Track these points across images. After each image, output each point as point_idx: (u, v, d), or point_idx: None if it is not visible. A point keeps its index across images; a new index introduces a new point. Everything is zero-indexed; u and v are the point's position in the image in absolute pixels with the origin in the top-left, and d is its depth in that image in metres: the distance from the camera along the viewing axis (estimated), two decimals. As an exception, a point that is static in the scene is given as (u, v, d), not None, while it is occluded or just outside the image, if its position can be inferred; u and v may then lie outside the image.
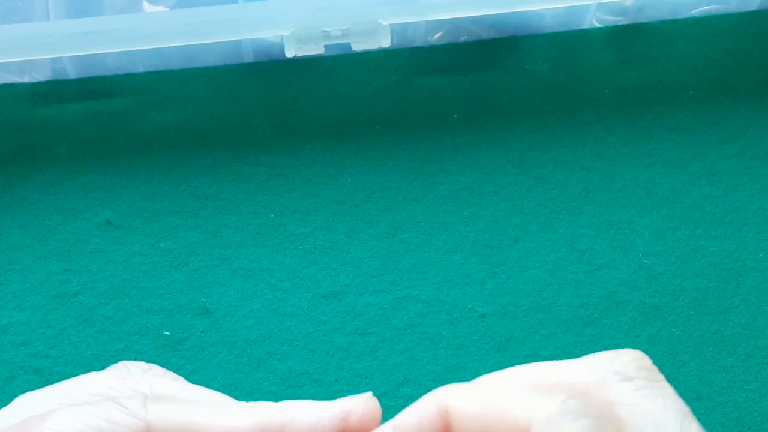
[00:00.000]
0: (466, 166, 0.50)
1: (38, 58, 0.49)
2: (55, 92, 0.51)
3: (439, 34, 0.51)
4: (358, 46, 0.48)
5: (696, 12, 0.52)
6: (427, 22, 0.51)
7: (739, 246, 0.49)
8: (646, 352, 0.46)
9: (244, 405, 0.32)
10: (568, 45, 0.53)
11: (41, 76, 0.51)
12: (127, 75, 0.51)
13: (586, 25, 0.52)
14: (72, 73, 0.51)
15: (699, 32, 0.53)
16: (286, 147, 0.51)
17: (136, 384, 0.33)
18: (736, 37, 0.53)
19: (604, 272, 0.48)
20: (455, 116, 0.51)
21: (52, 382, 0.45)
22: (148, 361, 0.46)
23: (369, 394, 0.33)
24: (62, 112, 0.51)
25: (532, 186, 0.50)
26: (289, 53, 0.48)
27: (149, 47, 0.46)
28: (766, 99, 0.52)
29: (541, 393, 0.29)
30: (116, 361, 0.46)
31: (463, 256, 0.49)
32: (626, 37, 0.53)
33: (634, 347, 0.47)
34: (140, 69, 0.51)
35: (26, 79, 0.51)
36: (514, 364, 0.46)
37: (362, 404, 0.32)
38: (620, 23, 0.53)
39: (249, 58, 0.51)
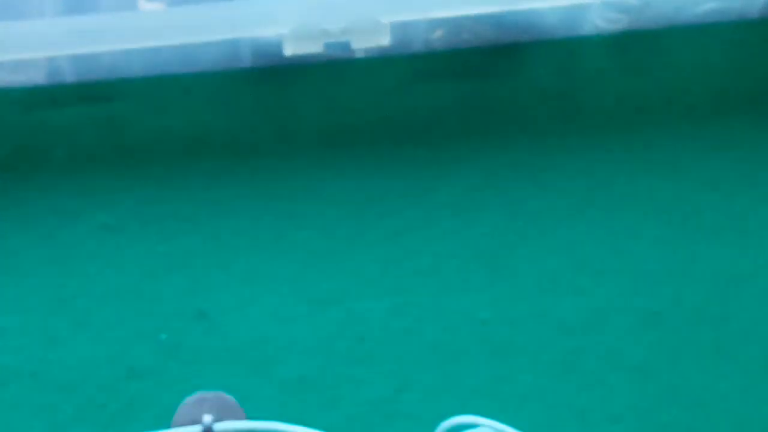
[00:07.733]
0: (466, 171, 0.51)
1: (32, 57, 0.48)
2: (53, 96, 0.51)
3: (439, 32, 0.51)
4: (357, 44, 0.48)
5: (701, 9, 0.53)
6: (428, 20, 0.51)
7: (740, 252, 0.49)
8: (645, 358, 0.47)
9: None
10: (568, 52, 0.53)
11: (36, 74, 0.51)
12: (125, 79, 0.51)
13: (589, 24, 0.52)
14: (70, 77, 0.51)
15: (699, 40, 0.53)
16: (284, 152, 0.51)
17: None
18: (737, 45, 0.53)
19: (604, 278, 0.49)
20: (455, 122, 0.51)
21: (48, 386, 0.46)
22: (145, 365, 0.46)
23: None
24: (60, 116, 0.51)
25: (532, 192, 0.50)
26: (288, 51, 0.47)
27: (145, 45, 0.46)
28: (766, 106, 0.52)
29: None
30: (113, 365, 0.46)
31: (463, 261, 0.49)
32: (626, 45, 0.53)
33: (634, 353, 0.48)
34: (137, 69, 0.51)
35: (21, 77, 0.51)
36: (513, 370, 0.47)
37: None
38: (622, 27, 0.53)
39: (247, 58, 0.51)
